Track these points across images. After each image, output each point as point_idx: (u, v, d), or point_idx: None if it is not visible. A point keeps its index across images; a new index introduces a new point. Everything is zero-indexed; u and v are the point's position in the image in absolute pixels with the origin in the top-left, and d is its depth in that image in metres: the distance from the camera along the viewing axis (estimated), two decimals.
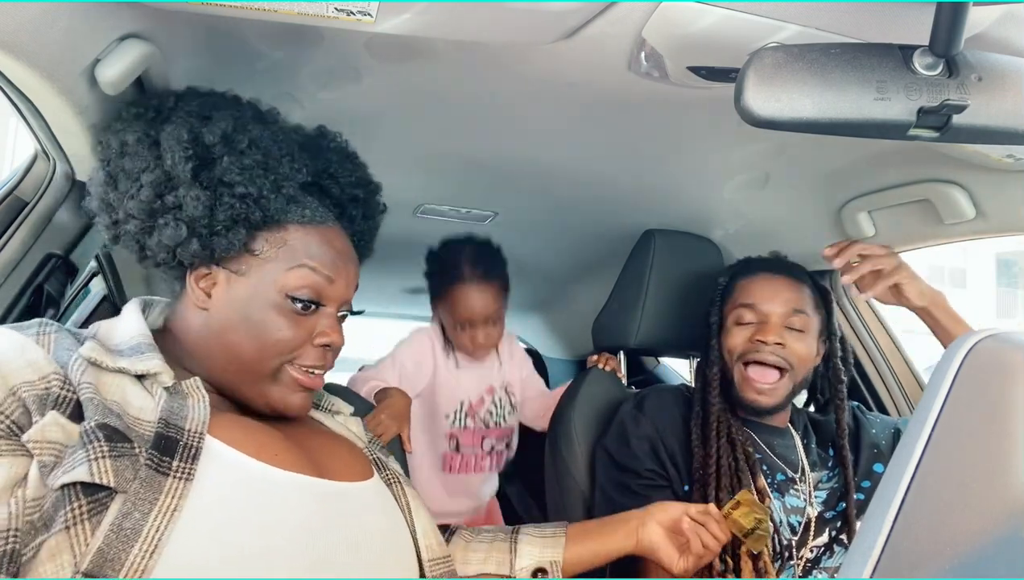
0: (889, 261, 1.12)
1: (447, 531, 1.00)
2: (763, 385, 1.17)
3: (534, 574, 0.94)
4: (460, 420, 1.58)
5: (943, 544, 0.38)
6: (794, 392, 1.21)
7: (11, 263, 0.91)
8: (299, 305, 0.76)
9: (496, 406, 1.62)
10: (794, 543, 1.14)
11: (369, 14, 0.70)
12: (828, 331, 1.26)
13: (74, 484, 0.57)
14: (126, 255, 0.80)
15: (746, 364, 1.19)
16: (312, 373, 0.78)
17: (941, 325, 1.15)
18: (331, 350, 0.80)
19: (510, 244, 1.88)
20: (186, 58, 0.88)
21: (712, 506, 0.97)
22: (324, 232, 0.80)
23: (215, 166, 0.74)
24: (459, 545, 0.97)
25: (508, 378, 1.66)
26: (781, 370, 1.17)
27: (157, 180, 0.73)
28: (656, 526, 0.97)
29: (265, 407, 0.78)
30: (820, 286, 1.28)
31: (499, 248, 1.58)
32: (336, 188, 0.89)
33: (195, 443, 0.64)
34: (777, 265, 1.28)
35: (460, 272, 1.50)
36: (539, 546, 0.97)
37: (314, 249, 0.77)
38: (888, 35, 0.68)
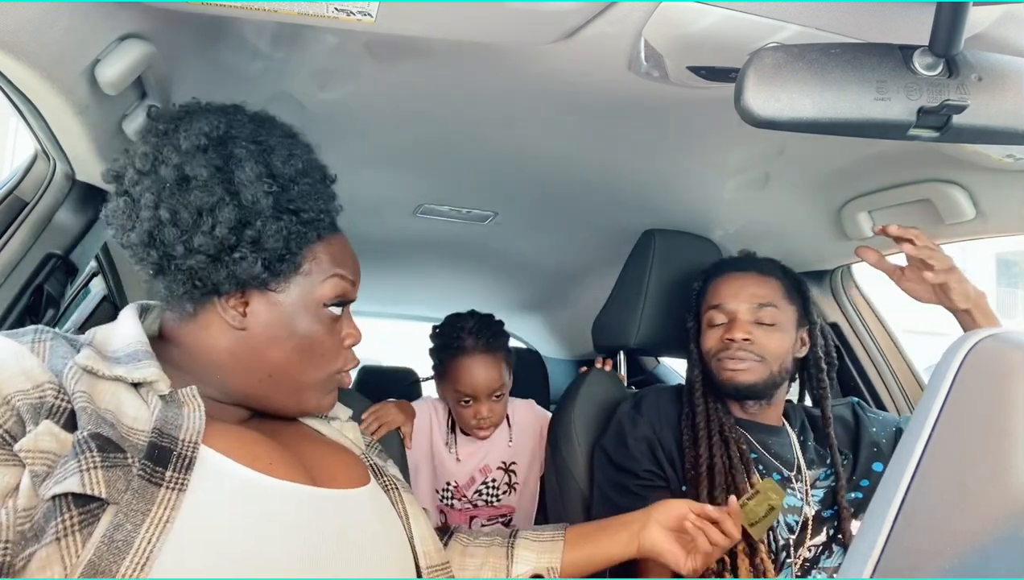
0: (944, 260, 1.09)
1: (446, 533, 1.00)
2: (738, 364, 1.19)
3: None
4: (447, 500, 1.56)
5: (943, 544, 0.38)
6: (774, 379, 1.21)
7: (11, 263, 0.91)
8: (334, 313, 0.79)
9: (488, 486, 1.57)
10: (792, 542, 1.14)
11: (369, 14, 0.70)
12: (808, 321, 1.27)
13: (65, 495, 0.56)
14: (126, 255, 0.79)
15: (720, 362, 1.21)
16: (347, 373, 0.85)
17: (979, 327, 1.14)
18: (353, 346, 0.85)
19: (510, 244, 1.88)
20: (186, 58, 0.88)
21: (732, 499, 0.94)
22: (339, 239, 0.82)
23: (284, 195, 0.74)
24: (456, 549, 0.97)
25: (517, 453, 1.60)
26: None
27: (235, 216, 0.71)
28: (658, 528, 0.95)
29: (298, 413, 0.84)
30: (793, 277, 1.29)
31: (502, 322, 1.58)
32: None
33: (189, 453, 0.64)
34: (744, 262, 1.30)
35: (462, 343, 1.49)
36: (536, 551, 0.96)
37: (339, 257, 0.80)
38: (888, 35, 0.68)
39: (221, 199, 0.70)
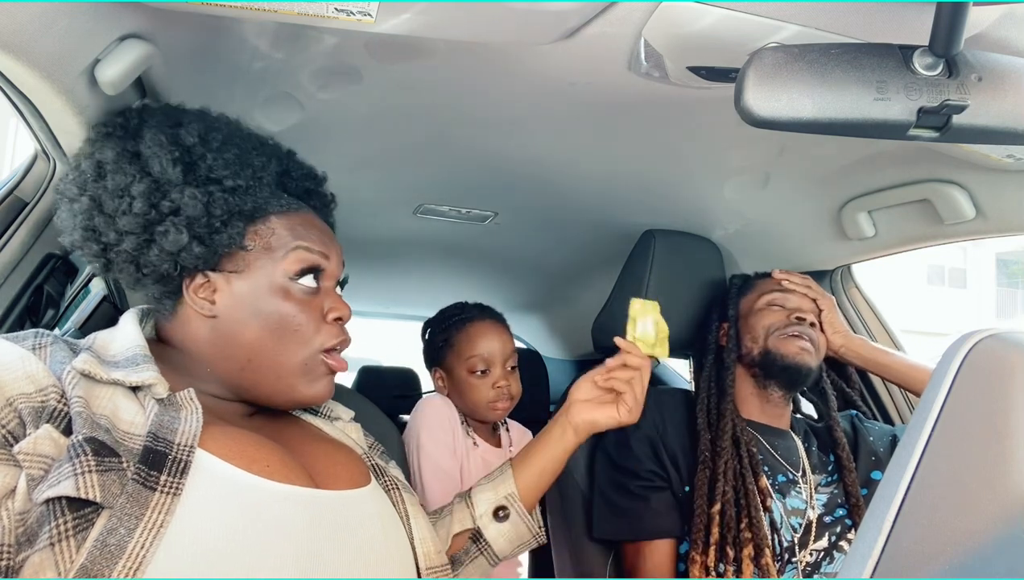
0: (827, 300, 1.31)
1: None
2: (806, 343, 1.23)
3: (495, 515, 0.95)
4: None
5: (943, 544, 0.38)
6: (816, 373, 1.27)
7: (11, 263, 0.91)
8: (304, 285, 0.78)
9: None
10: (796, 541, 1.15)
11: (369, 14, 0.70)
12: None
13: (59, 499, 0.56)
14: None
15: (786, 338, 1.25)
16: (337, 351, 0.82)
17: (868, 359, 1.29)
18: (343, 323, 0.83)
19: (510, 244, 1.88)
20: (186, 58, 0.88)
21: (617, 339, 0.98)
22: (303, 216, 0.82)
23: (200, 165, 0.75)
24: None
25: None
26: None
27: (148, 189, 0.73)
28: (579, 406, 0.97)
29: (289, 402, 0.81)
30: None
31: None
32: (292, 182, 0.90)
33: (184, 457, 0.63)
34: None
35: (471, 314, 1.43)
36: (490, 490, 0.98)
37: (301, 231, 0.80)
38: (888, 35, 0.68)
39: (134, 177, 0.73)
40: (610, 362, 0.97)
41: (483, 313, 1.45)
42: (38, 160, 0.96)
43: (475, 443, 1.41)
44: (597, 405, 0.97)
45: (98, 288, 1.42)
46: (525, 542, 0.98)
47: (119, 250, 0.74)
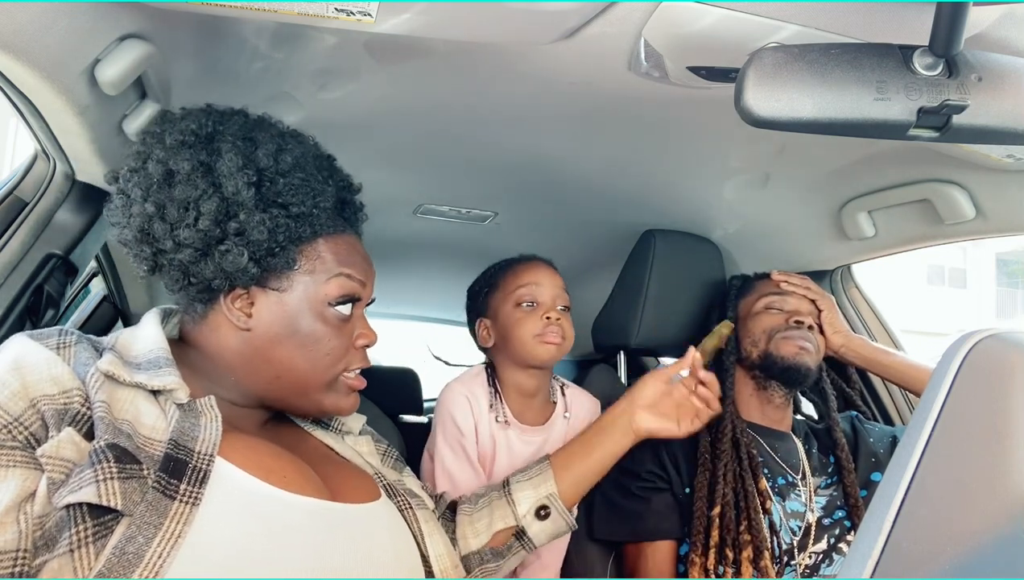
0: (826, 300, 1.32)
1: (448, 507, 1.02)
2: (806, 343, 1.23)
3: (537, 514, 0.99)
4: None
5: (943, 544, 0.38)
6: (816, 373, 1.27)
7: (11, 263, 0.91)
8: (342, 313, 0.79)
9: None
10: (795, 544, 1.15)
11: (369, 14, 0.70)
12: None
13: (80, 505, 0.56)
14: (126, 255, 0.79)
15: (787, 339, 1.25)
16: (359, 374, 0.84)
17: (868, 358, 1.29)
18: (368, 348, 0.85)
19: (510, 244, 1.88)
20: (186, 58, 0.88)
21: (692, 349, 1.09)
22: (347, 240, 0.82)
23: (270, 188, 0.74)
24: (464, 521, 1.00)
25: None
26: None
27: (217, 208, 0.71)
28: (645, 413, 1.04)
29: (317, 413, 0.84)
30: None
31: None
32: (347, 207, 0.88)
33: (204, 466, 0.64)
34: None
35: (525, 257, 1.33)
36: (531, 487, 1.00)
37: (345, 257, 0.80)
38: (888, 35, 0.68)
39: (204, 192, 0.71)
40: (697, 358, 1.08)
41: (539, 258, 1.33)
42: (38, 160, 0.96)
43: (506, 421, 1.25)
44: (659, 414, 1.04)
45: (98, 288, 1.42)
46: (560, 534, 1.02)
47: (172, 259, 0.73)
